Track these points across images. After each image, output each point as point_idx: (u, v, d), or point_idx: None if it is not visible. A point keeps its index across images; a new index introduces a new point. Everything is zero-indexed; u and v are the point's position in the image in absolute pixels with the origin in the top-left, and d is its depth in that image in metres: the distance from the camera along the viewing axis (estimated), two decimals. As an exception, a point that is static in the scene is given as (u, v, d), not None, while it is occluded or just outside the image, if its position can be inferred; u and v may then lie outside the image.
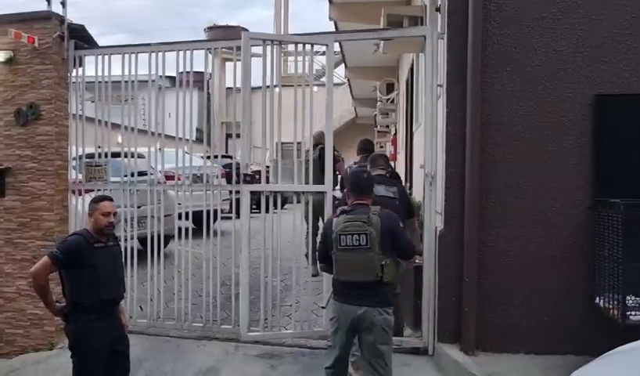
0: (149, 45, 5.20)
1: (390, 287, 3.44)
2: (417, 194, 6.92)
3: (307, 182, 4.86)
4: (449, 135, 4.43)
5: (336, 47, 12.25)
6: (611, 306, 3.85)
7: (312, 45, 4.90)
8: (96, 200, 3.44)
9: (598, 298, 4.06)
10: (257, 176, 4.85)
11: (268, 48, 4.81)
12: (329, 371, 3.49)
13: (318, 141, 6.00)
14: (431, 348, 4.61)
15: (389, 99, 13.90)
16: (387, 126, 15.56)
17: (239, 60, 4.86)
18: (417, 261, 5.31)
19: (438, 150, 4.63)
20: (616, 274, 3.77)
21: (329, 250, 3.46)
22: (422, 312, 4.72)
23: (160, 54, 5.15)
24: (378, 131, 16.47)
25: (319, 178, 4.90)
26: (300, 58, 4.92)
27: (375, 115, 15.52)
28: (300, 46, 4.91)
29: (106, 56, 5.30)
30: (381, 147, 15.39)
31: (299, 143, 4.85)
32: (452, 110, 4.41)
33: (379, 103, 14.20)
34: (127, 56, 5.22)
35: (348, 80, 16.95)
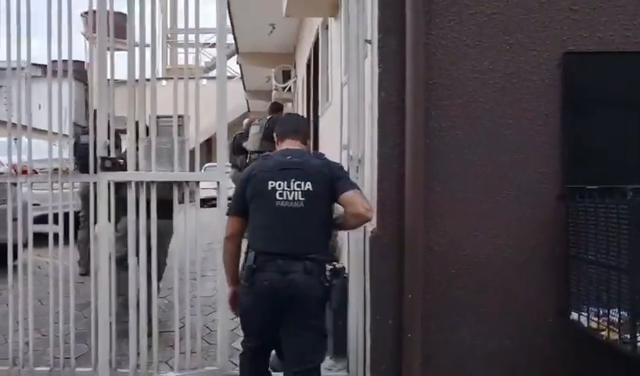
0: None
1: None
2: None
3: (192, 169, 3.57)
4: (383, 103, 3.33)
5: (229, 39, 11.10)
6: (597, 325, 2.93)
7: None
8: None
9: (574, 313, 3.15)
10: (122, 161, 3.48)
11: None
12: None
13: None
14: (360, 386, 3.51)
15: (285, 87, 12.89)
16: (284, 118, 14.46)
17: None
18: (336, 265, 4.22)
19: (366, 125, 3.53)
20: (605, 282, 2.86)
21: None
22: (347, 337, 3.60)
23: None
24: (273, 124, 15.33)
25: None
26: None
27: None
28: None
29: None
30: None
31: (181, 117, 3.55)
32: (386, 71, 3.33)
33: (274, 92, 13.07)
34: None
35: (241, 71, 15.69)
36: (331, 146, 5.73)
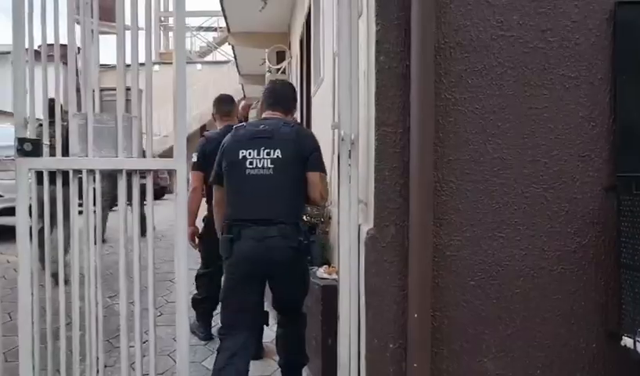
0: None
1: None
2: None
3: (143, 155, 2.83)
4: (381, 70, 2.61)
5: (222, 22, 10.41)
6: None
7: None
8: None
9: (627, 339, 2.45)
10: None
11: None
12: None
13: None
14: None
15: (279, 68, 12.12)
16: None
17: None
18: (325, 275, 3.54)
19: (361, 98, 2.81)
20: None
21: None
22: (338, 363, 2.90)
23: None
24: (268, 108, 14.61)
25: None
26: None
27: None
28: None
29: None
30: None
31: (129, 89, 2.81)
32: (386, 29, 2.60)
33: (268, 75, 12.30)
34: None
35: (234, 53, 14.95)
36: (323, 129, 5.03)
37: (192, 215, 3.77)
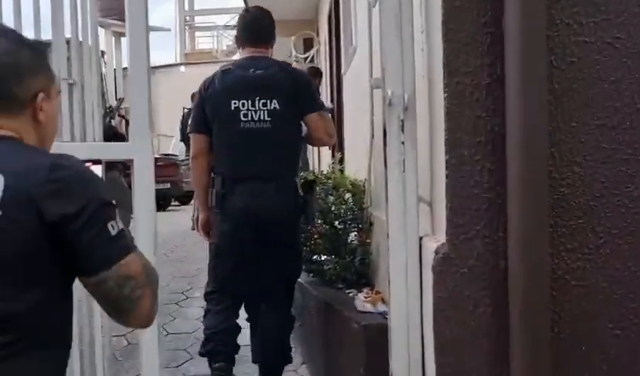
0: None
1: None
2: (355, 168, 3.98)
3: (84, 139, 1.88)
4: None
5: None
6: None
7: None
8: None
9: None
10: None
11: None
12: None
13: None
14: None
15: (307, 57, 11.22)
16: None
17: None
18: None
19: (417, 37, 1.80)
20: None
21: None
22: None
23: None
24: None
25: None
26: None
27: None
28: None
29: None
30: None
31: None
32: None
33: (295, 64, 11.38)
34: None
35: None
36: (356, 116, 4.03)
37: (202, 191, 2.71)
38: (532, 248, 1.54)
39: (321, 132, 2.67)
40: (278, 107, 2.53)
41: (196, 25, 25.92)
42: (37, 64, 1.09)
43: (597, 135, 1.57)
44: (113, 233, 1.00)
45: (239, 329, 2.68)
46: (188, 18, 25.77)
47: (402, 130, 1.77)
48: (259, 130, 2.54)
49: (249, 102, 2.53)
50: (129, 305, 1.02)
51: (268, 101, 2.52)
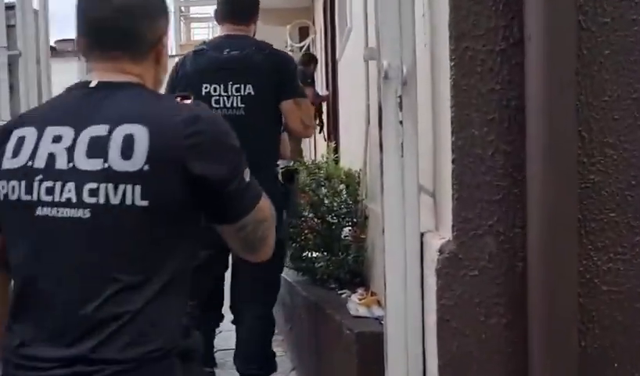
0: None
1: None
2: (349, 158, 3.75)
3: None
4: None
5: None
6: None
7: None
8: None
9: None
10: None
11: None
12: None
13: None
14: None
15: (302, 46, 11.05)
16: (302, 82, 12.89)
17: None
18: (361, 310, 2.33)
19: (416, 5, 1.54)
20: None
21: None
22: None
23: None
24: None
25: None
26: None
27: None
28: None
29: None
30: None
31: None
32: None
33: (290, 54, 11.21)
34: None
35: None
36: (351, 100, 3.79)
37: None
38: (555, 247, 1.29)
39: (296, 122, 2.51)
40: (252, 93, 2.40)
41: (192, 16, 25.83)
42: (162, 3, 1.12)
43: (633, 111, 1.32)
44: (247, 179, 1.07)
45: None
46: (183, 9, 25.63)
47: (400, 107, 1.50)
48: (232, 117, 2.36)
49: (222, 86, 2.40)
50: (259, 244, 1.14)
51: (242, 86, 2.40)
